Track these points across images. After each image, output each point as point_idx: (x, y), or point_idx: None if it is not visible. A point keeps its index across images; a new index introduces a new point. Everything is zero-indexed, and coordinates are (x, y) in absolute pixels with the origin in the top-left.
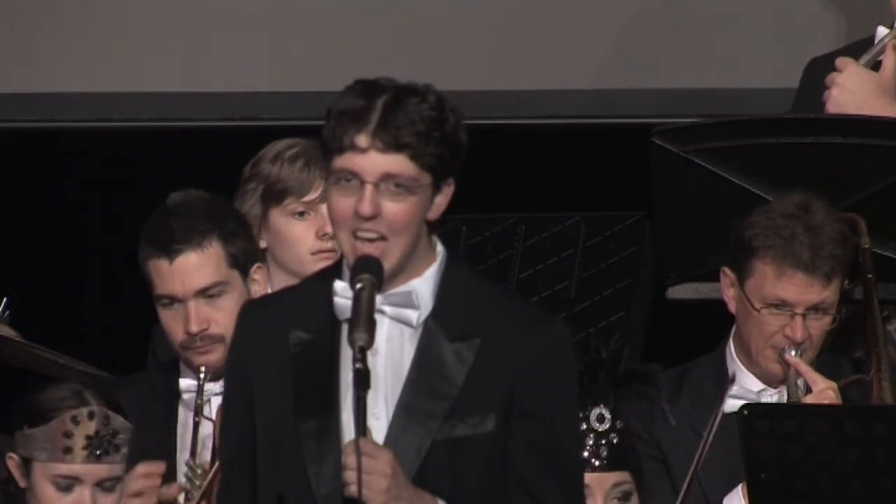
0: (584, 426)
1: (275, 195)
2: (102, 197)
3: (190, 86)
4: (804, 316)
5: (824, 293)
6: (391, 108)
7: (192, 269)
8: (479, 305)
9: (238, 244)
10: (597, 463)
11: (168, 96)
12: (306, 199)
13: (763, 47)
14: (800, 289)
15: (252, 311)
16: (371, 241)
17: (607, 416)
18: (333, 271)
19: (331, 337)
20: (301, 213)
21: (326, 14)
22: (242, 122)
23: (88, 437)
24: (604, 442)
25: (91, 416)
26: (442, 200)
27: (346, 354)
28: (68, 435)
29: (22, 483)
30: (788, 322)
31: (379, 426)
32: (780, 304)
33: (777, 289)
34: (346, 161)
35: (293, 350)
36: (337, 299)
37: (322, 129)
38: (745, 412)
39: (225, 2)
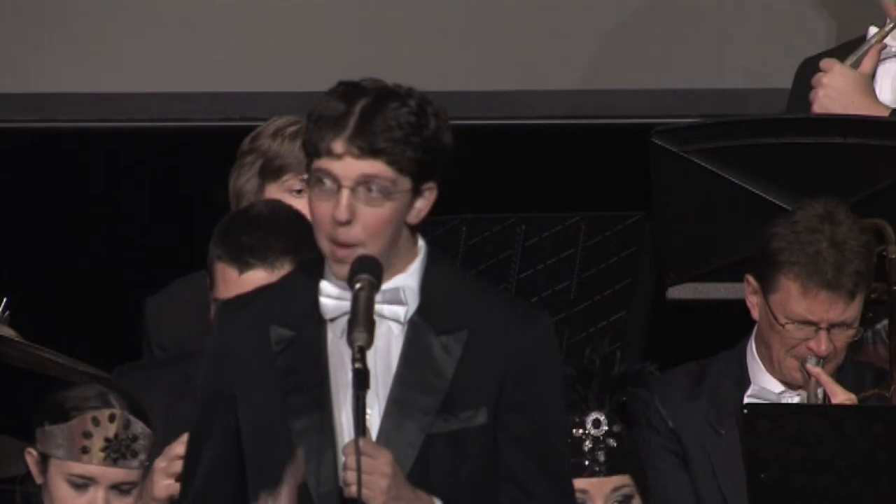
0: (581, 432)
1: (273, 171)
2: (102, 197)
3: (190, 86)
4: (828, 330)
5: (848, 310)
6: (369, 113)
7: (258, 286)
8: (463, 299)
9: None
10: (596, 468)
11: (168, 96)
12: (305, 176)
13: (763, 47)
14: (824, 307)
15: (230, 311)
16: (347, 246)
17: (604, 421)
18: (314, 267)
19: (316, 334)
20: (299, 191)
21: (327, 14)
22: (242, 122)
23: (107, 440)
24: (602, 447)
25: (112, 418)
26: (423, 205)
27: (334, 352)
28: (87, 435)
29: (38, 479)
30: (812, 335)
31: (371, 422)
32: (804, 321)
33: (801, 307)
34: (323, 164)
35: (276, 347)
36: (323, 299)
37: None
38: (746, 412)
39: (225, 2)
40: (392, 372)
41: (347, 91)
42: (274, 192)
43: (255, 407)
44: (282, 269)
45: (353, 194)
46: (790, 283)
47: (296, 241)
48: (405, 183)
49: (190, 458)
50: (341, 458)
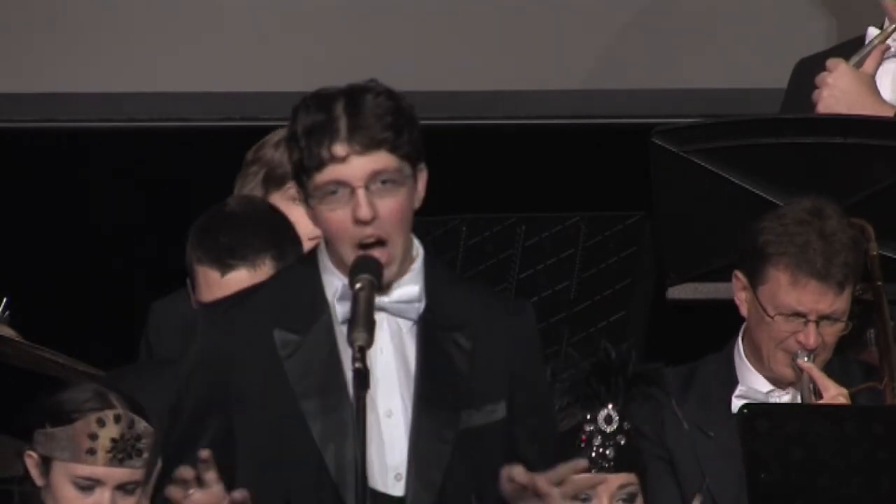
0: (592, 427)
1: (276, 179)
2: (102, 197)
3: (190, 86)
4: (817, 323)
5: (837, 301)
6: (353, 110)
7: (242, 286)
8: (461, 295)
9: None
10: (604, 464)
11: (168, 96)
12: None
13: (763, 47)
14: (813, 297)
15: (222, 315)
16: (374, 246)
17: (615, 417)
18: (306, 268)
19: (327, 338)
20: None
21: (326, 14)
22: (242, 122)
23: (113, 441)
24: (611, 443)
25: (117, 419)
26: (421, 186)
27: (347, 354)
28: (93, 437)
29: (39, 481)
30: (801, 328)
31: (393, 422)
32: (794, 312)
33: (791, 297)
34: (329, 174)
35: (283, 352)
36: (340, 305)
37: (291, 154)
38: (745, 412)
39: (225, 2)
40: (411, 369)
41: (317, 102)
42: (277, 200)
43: (264, 413)
44: (263, 267)
45: (367, 192)
46: (780, 274)
47: (275, 237)
48: (407, 168)
49: (171, 464)
50: (372, 460)
